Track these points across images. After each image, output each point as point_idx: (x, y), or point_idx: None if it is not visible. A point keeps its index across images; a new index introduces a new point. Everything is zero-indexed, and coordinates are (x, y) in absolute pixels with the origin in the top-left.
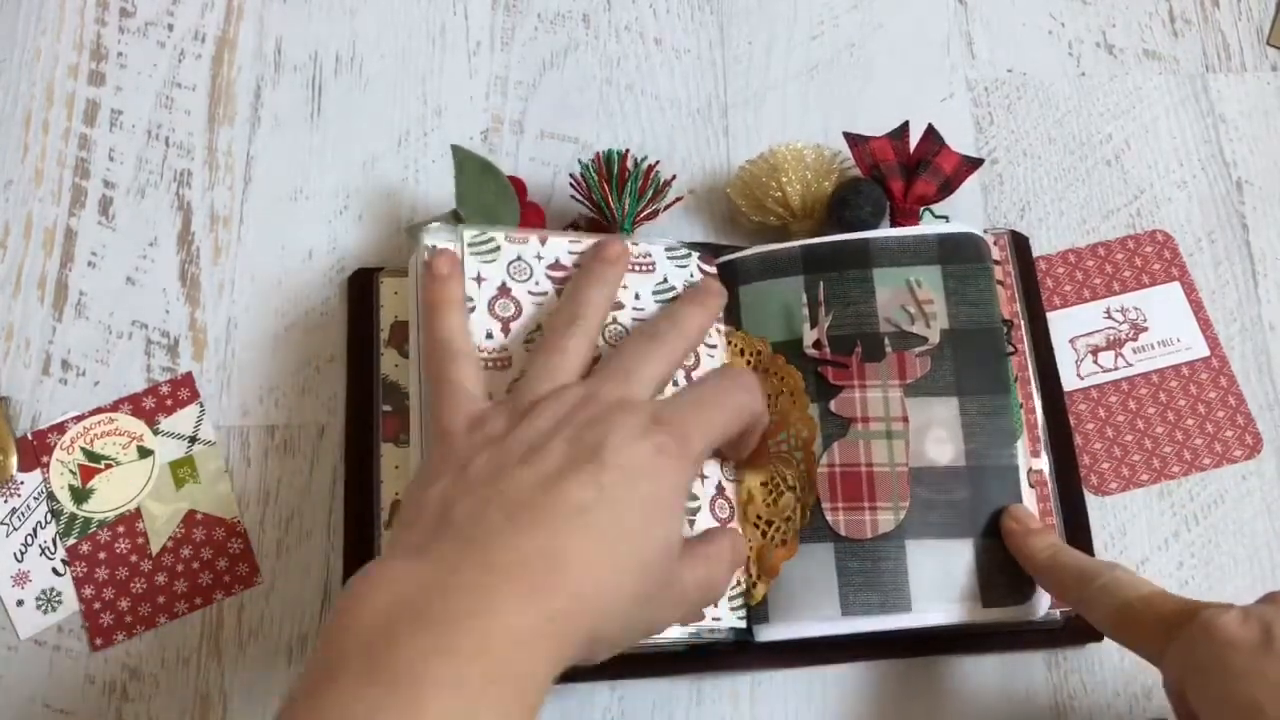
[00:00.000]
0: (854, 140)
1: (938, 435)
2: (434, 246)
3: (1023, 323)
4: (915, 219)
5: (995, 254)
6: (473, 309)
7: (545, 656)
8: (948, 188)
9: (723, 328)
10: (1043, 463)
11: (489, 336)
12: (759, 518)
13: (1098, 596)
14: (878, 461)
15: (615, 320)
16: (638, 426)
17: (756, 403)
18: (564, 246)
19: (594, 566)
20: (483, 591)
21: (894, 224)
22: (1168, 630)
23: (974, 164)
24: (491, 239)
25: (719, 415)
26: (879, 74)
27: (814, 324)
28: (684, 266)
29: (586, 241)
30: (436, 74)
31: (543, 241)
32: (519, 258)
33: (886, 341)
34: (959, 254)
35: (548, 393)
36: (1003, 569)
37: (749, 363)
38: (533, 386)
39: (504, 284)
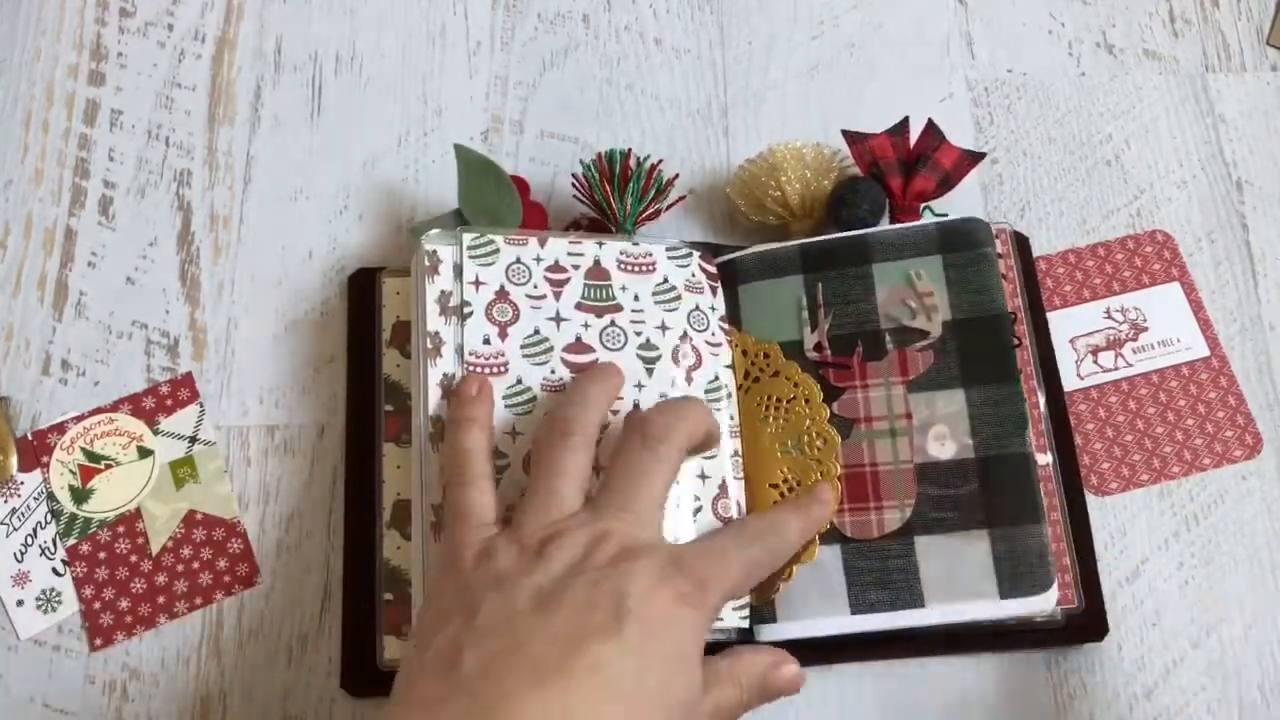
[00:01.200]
0: (853, 138)
1: (944, 430)
2: (433, 250)
3: (1024, 318)
4: (915, 216)
5: (998, 248)
6: (470, 314)
7: None
8: (948, 183)
9: (727, 328)
10: (1047, 458)
11: (486, 342)
12: None
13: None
14: (882, 461)
15: (613, 323)
16: (656, 573)
17: (779, 554)
18: (563, 248)
19: None
20: None
21: (893, 221)
22: None
23: (975, 158)
24: (490, 241)
25: (735, 568)
26: (879, 74)
27: (814, 327)
28: (685, 266)
29: (586, 243)
30: (436, 74)
31: (542, 243)
32: (518, 260)
33: (887, 338)
34: (959, 242)
35: (555, 526)
36: (1020, 559)
37: (753, 364)
38: (537, 516)
39: (502, 287)
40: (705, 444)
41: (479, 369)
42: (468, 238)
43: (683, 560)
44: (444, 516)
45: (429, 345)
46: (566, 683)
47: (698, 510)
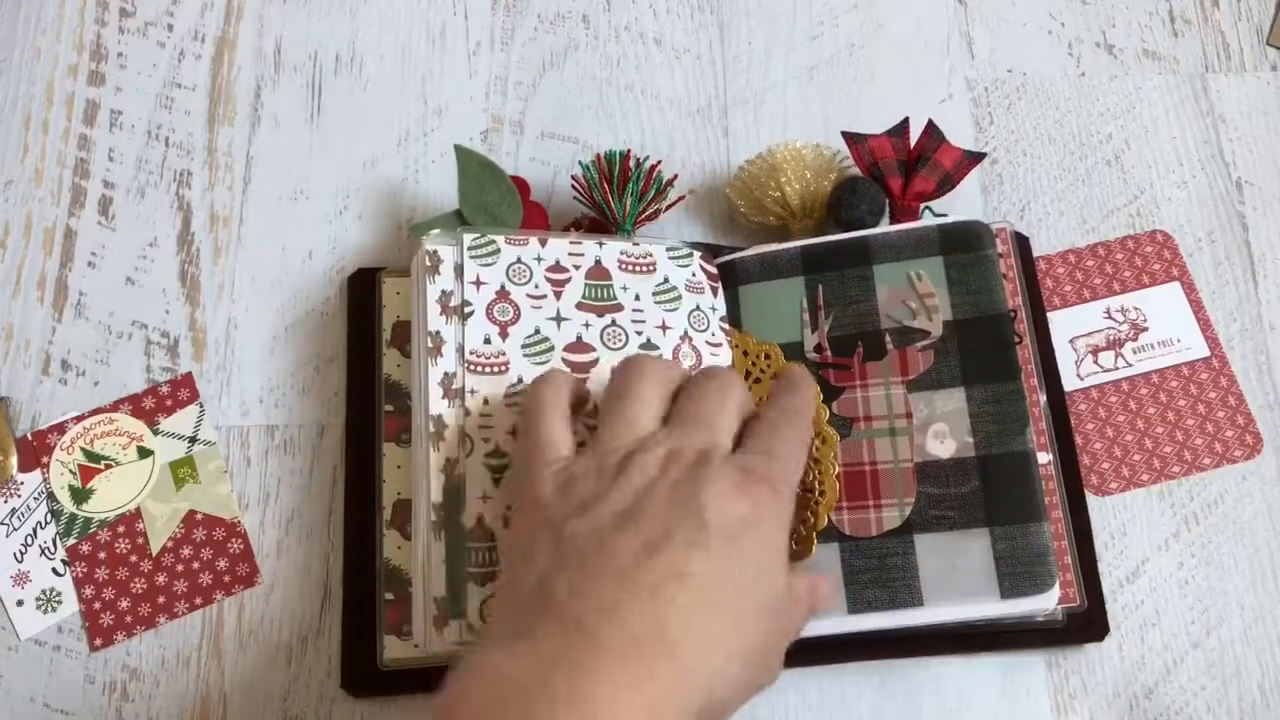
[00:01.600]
0: (852, 139)
1: (944, 428)
2: (434, 250)
3: (1025, 316)
4: (915, 216)
5: (998, 247)
6: (471, 314)
7: None
8: (948, 183)
9: (728, 328)
10: (1047, 457)
11: (487, 341)
12: None
13: None
14: (881, 459)
15: (614, 323)
16: (730, 481)
17: (808, 432)
18: (564, 248)
19: (702, 639)
20: (585, 686)
21: (893, 222)
22: None
23: (975, 159)
24: (491, 241)
25: (798, 457)
26: (879, 74)
27: (814, 328)
28: (685, 266)
29: (587, 243)
30: (436, 74)
31: (543, 243)
32: (518, 260)
33: (888, 339)
34: (960, 243)
35: (632, 445)
36: (1021, 558)
37: (754, 364)
38: (617, 437)
39: (503, 287)
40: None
41: (480, 369)
42: (468, 238)
43: (749, 466)
44: (516, 452)
45: (430, 345)
46: (658, 595)
47: None
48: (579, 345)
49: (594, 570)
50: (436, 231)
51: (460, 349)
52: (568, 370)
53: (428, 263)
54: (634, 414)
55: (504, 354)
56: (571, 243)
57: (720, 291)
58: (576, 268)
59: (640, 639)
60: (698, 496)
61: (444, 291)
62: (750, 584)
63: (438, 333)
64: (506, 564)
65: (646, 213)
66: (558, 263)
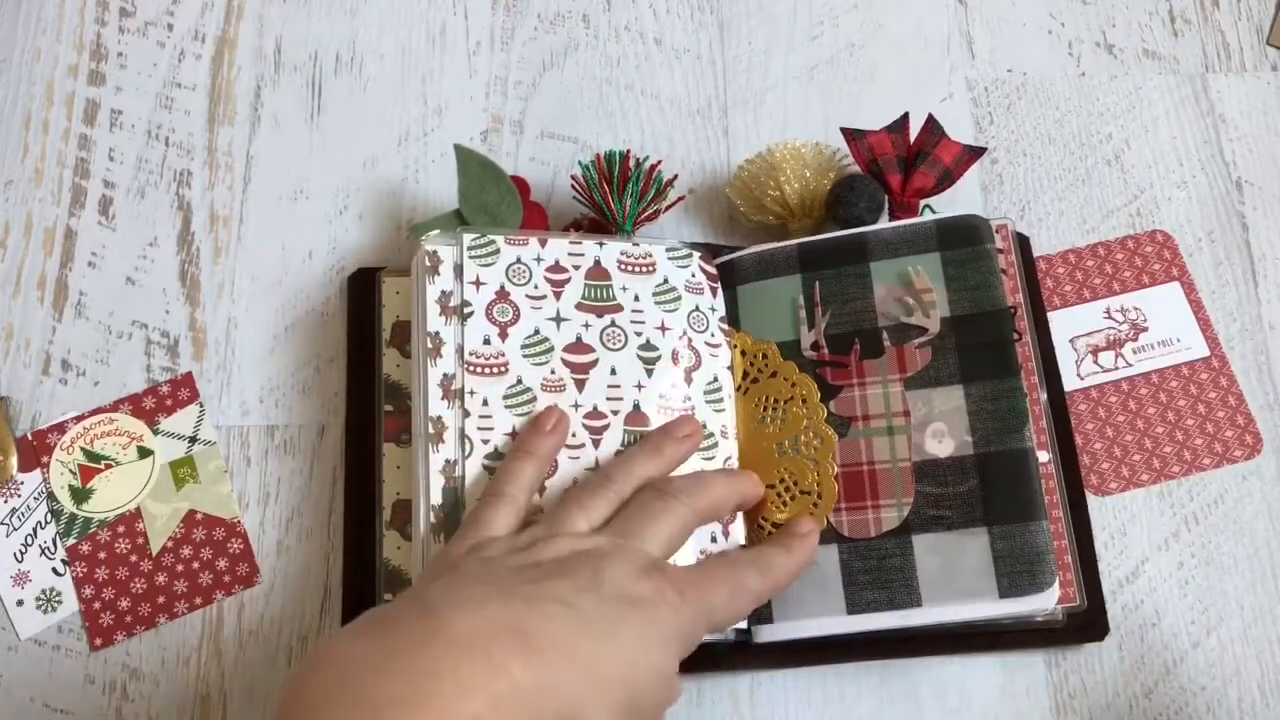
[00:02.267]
0: (852, 135)
1: (942, 427)
2: (434, 251)
3: (1025, 313)
4: (914, 213)
5: (999, 243)
6: (471, 314)
7: None
8: (948, 179)
9: (727, 329)
10: (1047, 456)
11: (486, 342)
12: (764, 520)
13: None
14: (879, 459)
15: (613, 323)
16: (637, 566)
17: (765, 584)
18: (564, 248)
19: (566, 649)
20: (427, 672)
21: (893, 219)
22: None
23: (975, 153)
24: (491, 241)
25: (720, 587)
26: (879, 74)
27: (811, 325)
28: (685, 267)
29: (587, 243)
30: (436, 74)
31: (543, 243)
32: (518, 260)
33: (885, 336)
34: (958, 239)
35: (551, 534)
36: (1021, 558)
37: (751, 364)
38: (541, 530)
39: (502, 287)
40: (735, 508)
41: (479, 370)
42: (468, 238)
43: (666, 567)
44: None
45: (429, 345)
46: (530, 600)
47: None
48: (578, 346)
49: (474, 579)
50: (436, 232)
51: (460, 349)
52: (561, 412)
53: (427, 263)
54: (573, 519)
55: (503, 354)
56: (571, 243)
57: (719, 292)
58: (576, 268)
59: (496, 632)
60: (601, 566)
61: (443, 292)
62: (629, 654)
63: (437, 333)
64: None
65: (646, 213)
66: (557, 263)
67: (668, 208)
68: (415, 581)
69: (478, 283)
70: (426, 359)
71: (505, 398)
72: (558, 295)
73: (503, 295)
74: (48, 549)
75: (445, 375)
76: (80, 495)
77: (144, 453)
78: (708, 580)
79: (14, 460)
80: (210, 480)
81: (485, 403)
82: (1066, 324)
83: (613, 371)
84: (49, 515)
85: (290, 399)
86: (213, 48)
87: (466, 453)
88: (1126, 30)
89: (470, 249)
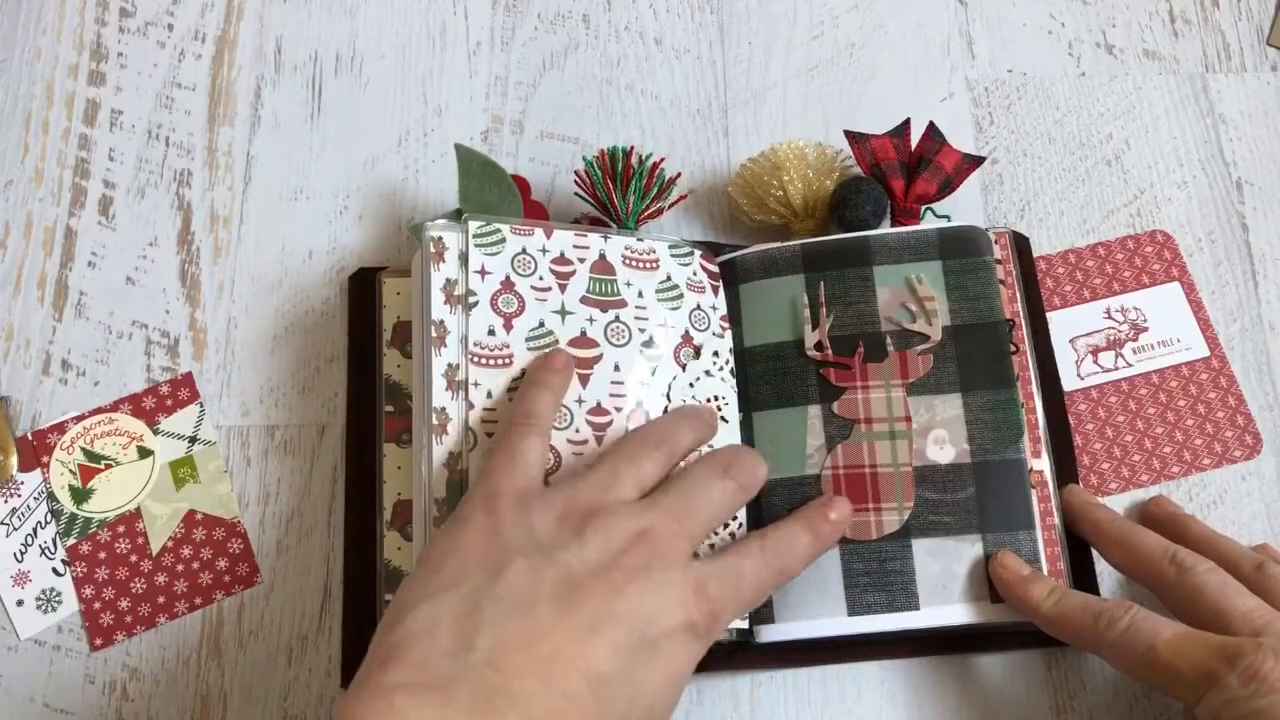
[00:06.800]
0: (854, 138)
1: (943, 434)
2: (439, 238)
3: (1024, 322)
4: (916, 218)
5: (997, 252)
6: (475, 304)
7: None
8: (949, 186)
9: (726, 326)
10: (1043, 463)
11: (490, 333)
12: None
13: (1119, 643)
14: (881, 462)
15: (617, 318)
16: (678, 595)
17: (786, 575)
18: (569, 239)
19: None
20: None
21: (895, 223)
22: (1202, 677)
23: (975, 162)
24: (497, 230)
25: (748, 592)
26: (879, 74)
27: (815, 325)
28: (687, 264)
29: (592, 236)
30: (436, 74)
31: (548, 234)
32: (524, 250)
33: (888, 340)
34: (960, 249)
35: (603, 505)
36: None
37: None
38: (591, 489)
39: (508, 278)
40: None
41: (483, 361)
42: (473, 225)
43: (704, 587)
44: (489, 457)
45: (434, 334)
46: (564, 683)
47: None
48: (583, 340)
49: (516, 639)
50: (441, 220)
51: (464, 340)
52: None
53: (433, 249)
54: (622, 476)
55: (508, 346)
56: (577, 235)
57: (720, 290)
58: (581, 260)
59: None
60: (640, 608)
61: (449, 280)
62: (646, 710)
63: (442, 321)
64: (439, 545)
65: (649, 210)
66: (562, 255)
67: (671, 205)
68: (459, 514)
69: (483, 272)
70: (431, 348)
71: (510, 390)
72: (563, 288)
73: (508, 285)
74: (48, 549)
75: (450, 365)
76: (80, 495)
77: (144, 453)
78: (738, 587)
79: (14, 460)
80: (210, 480)
81: (489, 395)
82: (1066, 324)
83: (616, 368)
84: (49, 515)
85: (290, 399)
86: (213, 48)
87: (470, 446)
88: (1126, 30)
89: (476, 237)
